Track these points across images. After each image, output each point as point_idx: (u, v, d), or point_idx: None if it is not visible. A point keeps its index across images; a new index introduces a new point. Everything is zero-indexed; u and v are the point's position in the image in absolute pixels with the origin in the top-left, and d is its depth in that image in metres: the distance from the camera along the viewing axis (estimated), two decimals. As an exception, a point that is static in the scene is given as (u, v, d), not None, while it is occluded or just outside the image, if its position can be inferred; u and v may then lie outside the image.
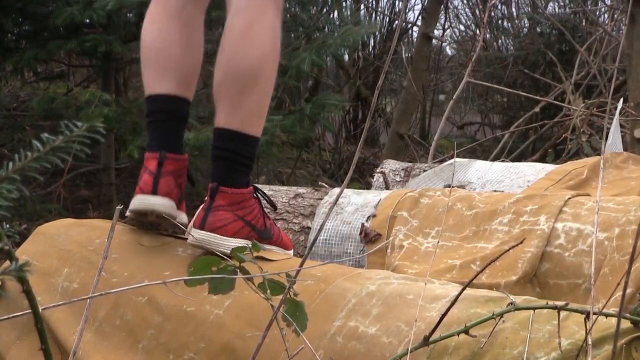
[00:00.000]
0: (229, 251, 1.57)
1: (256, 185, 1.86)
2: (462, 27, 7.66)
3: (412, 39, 7.06)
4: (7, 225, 0.84)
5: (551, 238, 1.85)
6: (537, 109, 4.64)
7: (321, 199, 2.22)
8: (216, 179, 1.79)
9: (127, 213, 1.83)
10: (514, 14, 6.92)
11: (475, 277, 1.31)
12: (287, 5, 4.74)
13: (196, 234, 1.73)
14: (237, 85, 1.80)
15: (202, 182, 4.40)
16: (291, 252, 1.89)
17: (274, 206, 2.00)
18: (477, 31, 6.53)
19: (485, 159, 3.40)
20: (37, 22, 3.79)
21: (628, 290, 1.64)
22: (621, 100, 2.90)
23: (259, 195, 1.85)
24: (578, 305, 1.32)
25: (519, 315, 1.35)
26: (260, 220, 1.80)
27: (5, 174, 0.76)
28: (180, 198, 1.84)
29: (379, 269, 1.93)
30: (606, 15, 6.12)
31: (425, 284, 1.52)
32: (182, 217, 1.86)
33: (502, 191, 2.34)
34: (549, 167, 2.47)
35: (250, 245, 1.31)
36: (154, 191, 1.79)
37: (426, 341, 1.28)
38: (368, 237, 2.06)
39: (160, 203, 1.79)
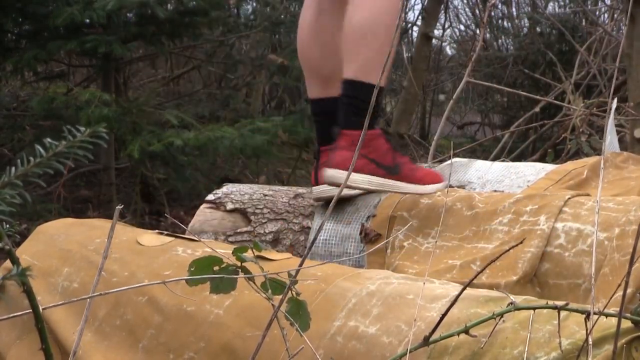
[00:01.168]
0: (354, 185, 1.96)
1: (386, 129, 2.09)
2: (462, 27, 7.67)
3: (412, 39, 7.06)
4: (7, 226, 0.84)
5: (551, 238, 1.85)
6: (537, 109, 4.64)
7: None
8: (339, 124, 2.04)
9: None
10: (514, 14, 6.92)
11: (475, 277, 1.31)
12: (287, 5, 4.74)
13: (325, 173, 1.98)
14: (354, 38, 2.02)
15: (202, 182, 4.40)
16: (430, 187, 2.05)
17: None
18: (477, 31, 6.53)
19: (485, 159, 3.40)
20: (37, 22, 3.80)
21: (628, 290, 1.64)
22: (615, 100, 2.90)
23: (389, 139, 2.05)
24: (578, 305, 1.32)
25: (519, 315, 1.35)
26: (387, 157, 2.01)
27: (7, 179, 0.76)
28: None
29: (378, 269, 1.93)
30: (606, 15, 6.13)
31: (424, 283, 1.52)
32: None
33: (502, 191, 2.34)
34: (549, 167, 2.47)
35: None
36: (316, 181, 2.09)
37: (426, 341, 1.28)
38: (368, 237, 2.06)
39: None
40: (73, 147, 0.77)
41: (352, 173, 1.95)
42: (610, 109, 2.77)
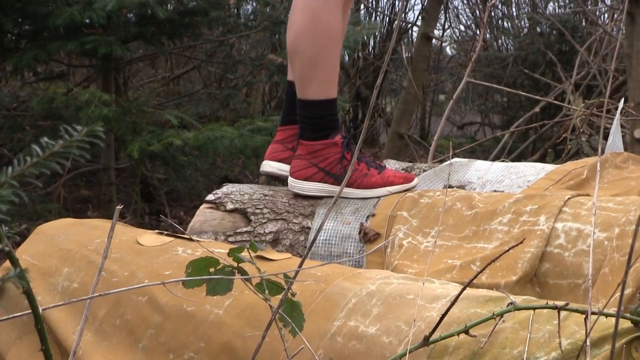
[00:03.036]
0: (305, 193, 2.19)
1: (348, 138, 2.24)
2: (462, 27, 7.67)
3: (412, 39, 7.06)
4: (7, 228, 0.84)
5: (551, 238, 1.85)
6: (537, 109, 4.64)
7: (321, 199, 2.23)
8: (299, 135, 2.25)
9: None
10: (514, 14, 6.92)
11: (475, 277, 1.31)
12: (288, 5, 4.74)
13: (289, 179, 2.23)
14: (289, 57, 2.24)
15: (202, 182, 4.40)
16: (378, 190, 2.18)
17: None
18: (477, 31, 6.52)
19: (485, 159, 3.40)
20: (37, 22, 3.79)
21: (628, 290, 1.64)
22: (622, 100, 2.90)
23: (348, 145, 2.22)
24: (578, 305, 1.32)
25: (519, 315, 1.35)
26: (336, 167, 2.18)
27: (4, 179, 0.76)
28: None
29: (378, 268, 1.93)
30: (606, 15, 6.13)
31: (424, 283, 1.52)
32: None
33: (502, 191, 2.34)
34: (549, 167, 2.47)
35: (247, 246, 1.31)
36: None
37: (426, 341, 1.28)
38: (367, 236, 2.06)
39: None
40: (70, 146, 0.76)
41: (303, 181, 2.20)
42: (616, 109, 2.77)
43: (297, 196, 2.22)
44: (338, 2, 2.16)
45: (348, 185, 2.17)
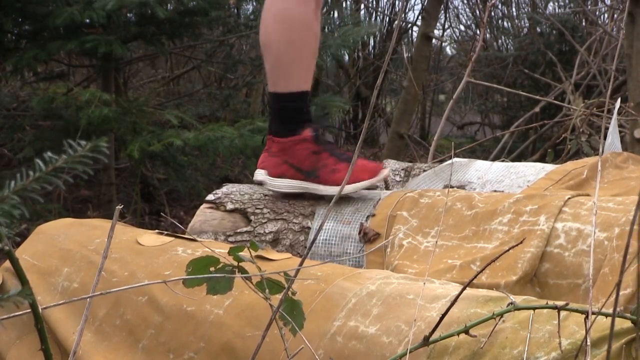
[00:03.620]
0: (276, 189, 2.19)
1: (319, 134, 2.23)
2: (462, 27, 7.67)
3: (412, 39, 7.06)
4: (7, 230, 0.84)
5: (551, 238, 1.85)
6: (537, 109, 4.64)
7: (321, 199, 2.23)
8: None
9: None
10: (514, 14, 6.92)
11: (475, 277, 1.31)
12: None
13: (256, 173, 2.23)
14: (263, 58, 2.26)
15: (202, 182, 4.40)
16: (348, 187, 2.15)
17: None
18: (477, 31, 6.52)
19: (485, 159, 3.40)
20: (37, 22, 3.79)
21: (628, 290, 1.64)
22: (619, 100, 2.89)
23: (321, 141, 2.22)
24: (578, 305, 1.32)
25: (519, 315, 1.35)
26: (306, 162, 2.18)
27: (5, 193, 0.76)
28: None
29: (378, 268, 1.93)
30: (606, 15, 6.13)
31: (425, 283, 1.52)
32: None
33: (502, 191, 2.34)
34: (549, 167, 2.47)
35: (247, 249, 1.31)
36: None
37: (426, 341, 1.28)
38: (367, 236, 2.06)
39: None
40: (73, 162, 0.76)
41: (274, 178, 2.20)
42: (613, 109, 2.77)
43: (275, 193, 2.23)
44: None
45: (317, 182, 2.18)
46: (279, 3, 2.21)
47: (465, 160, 2.61)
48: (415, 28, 6.83)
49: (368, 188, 2.18)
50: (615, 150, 2.63)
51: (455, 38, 7.70)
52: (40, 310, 0.89)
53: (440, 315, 1.28)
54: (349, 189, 2.16)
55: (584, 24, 6.06)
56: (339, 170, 2.18)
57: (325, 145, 2.22)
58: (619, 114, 3.01)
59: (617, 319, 1.21)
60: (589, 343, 1.20)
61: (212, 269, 1.25)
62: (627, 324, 1.28)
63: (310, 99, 2.28)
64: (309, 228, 2.15)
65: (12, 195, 0.76)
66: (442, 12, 6.67)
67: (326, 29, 4.49)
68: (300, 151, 2.19)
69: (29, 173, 0.77)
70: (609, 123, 2.77)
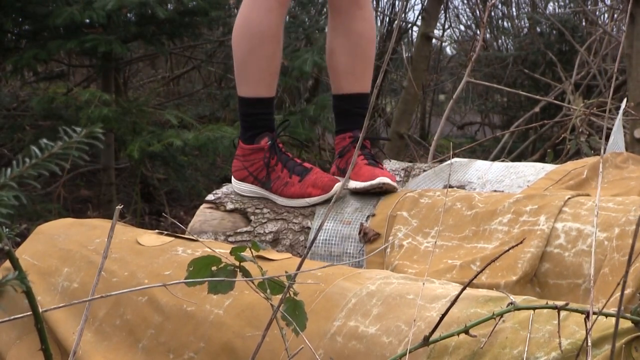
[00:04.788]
0: (242, 193, 2.25)
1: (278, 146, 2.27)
2: (462, 27, 7.66)
3: (412, 39, 7.06)
4: (7, 230, 0.84)
5: (551, 238, 1.84)
6: (537, 109, 4.63)
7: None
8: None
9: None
10: (514, 14, 6.91)
11: (475, 277, 1.31)
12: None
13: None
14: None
15: (202, 182, 4.40)
16: (296, 201, 2.20)
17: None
18: (477, 31, 6.52)
19: (485, 159, 3.40)
20: (37, 22, 3.79)
21: (628, 290, 1.64)
22: (625, 100, 2.89)
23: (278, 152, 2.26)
24: (578, 305, 1.32)
25: (519, 315, 1.35)
26: (261, 172, 2.23)
27: (3, 181, 0.76)
28: None
29: (378, 268, 1.93)
30: (606, 15, 6.12)
31: (424, 283, 1.52)
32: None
33: (502, 191, 2.34)
34: (549, 167, 2.47)
35: (250, 246, 1.31)
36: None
37: (426, 341, 1.28)
38: (367, 236, 2.06)
39: None
40: (69, 148, 0.76)
41: (239, 182, 2.26)
42: (617, 109, 2.77)
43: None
44: (269, 3, 2.20)
45: (273, 193, 2.23)
46: (245, 11, 2.25)
47: (465, 160, 2.61)
48: (415, 28, 6.82)
49: (320, 203, 2.19)
50: (617, 150, 2.62)
51: (455, 38, 7.70)
52: (40, 310, 0.89)
53: (440, 315, 1.28)
54: (300, 202, 2.20)
55: (584, 24, 6.06)
56: (291, 184, 2.22)
57: (280, 155, 2.26)
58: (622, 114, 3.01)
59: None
60: (589, 343, 1.20)
61: (213, 268, 1.25)
62: (627, 323, 1.28)
63: (274, 106, 2.31)
64: (309, 228, 2.15)
65: (10, 182, 0.76)
66: (442, 12, 6.66)
67: (326, 29, 4.48)
68: (256, 161, 2.25)
69: (25, 160, 0.77)
70: (612, 123, 2.77)
